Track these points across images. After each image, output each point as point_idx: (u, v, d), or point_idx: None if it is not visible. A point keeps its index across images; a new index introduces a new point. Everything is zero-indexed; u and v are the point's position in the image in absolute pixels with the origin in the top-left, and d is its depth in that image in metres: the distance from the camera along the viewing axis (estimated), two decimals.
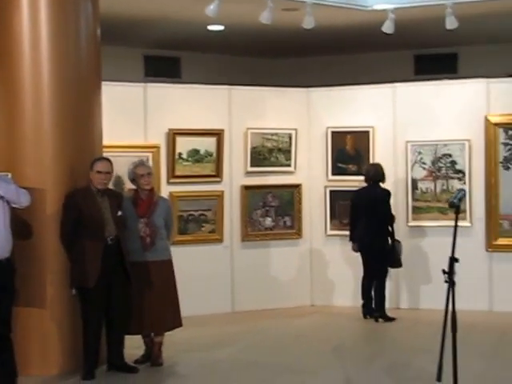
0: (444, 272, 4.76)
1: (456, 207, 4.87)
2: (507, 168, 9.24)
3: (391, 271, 9.09)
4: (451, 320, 4.66)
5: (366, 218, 8.88)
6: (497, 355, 7.38)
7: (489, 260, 9.37)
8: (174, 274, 7.03)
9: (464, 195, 4.99)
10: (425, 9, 9.45)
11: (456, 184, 9.37)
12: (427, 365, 6.00)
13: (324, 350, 7.63)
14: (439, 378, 4.52)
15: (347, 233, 9.42)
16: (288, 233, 9.89)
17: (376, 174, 8.97)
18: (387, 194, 8.92)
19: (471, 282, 9.27)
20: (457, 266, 9.05)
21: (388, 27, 9.00)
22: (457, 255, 9.20)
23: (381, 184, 8.98)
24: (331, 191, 9.83)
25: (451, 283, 4.67)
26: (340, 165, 9.83)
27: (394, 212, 9.05)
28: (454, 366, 4.72)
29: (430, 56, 13.27)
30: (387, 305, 9.09)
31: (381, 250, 8.85)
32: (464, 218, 9.30)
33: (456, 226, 4.74)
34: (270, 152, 9.75)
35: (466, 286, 9.26)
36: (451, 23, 8.85)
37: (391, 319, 8.89)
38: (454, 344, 4.68)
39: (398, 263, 8.91)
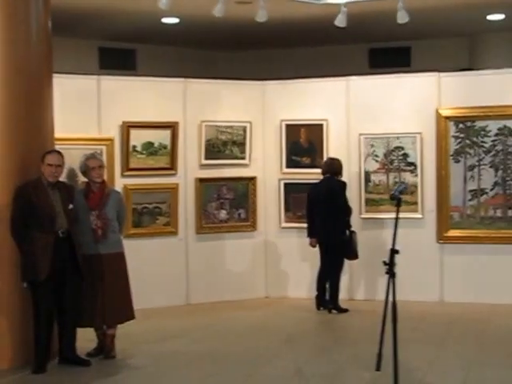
0: (385, 263, 4.80)
1: (397, 200, 4.93)
2: (457, 161, 9.37)
3: (346, 263, 9.16)
4: (392, 310, 4.73)
5: (324, 211, 8.95)
6: (445, 344, 7.48)
7: (440, 251, 9.49)
8: (126, 266, 7.03)
9: (405, 188, 5.06)
10: (377, 3, 9.56)
11: (408, 176, 9.49)
12: (361, 355, 6.08)
13: (276, 340, 7.69)
14: (378, 368, 4.58)
15: (301, 225, 9.50)
16: (242, 225, 9.93)
17: (333, 167, 9.04)
18: (343, 185, 8.99)
19: (423, 273, 9.44)
20: (409, 257, 9.26)
21: (340, 21, 9.05)
22: (408, 247, 9.42)
23: (337, 177, 9.05)
24: (285, 184, 9.89)
25: (391, 274, 4.71)
26: (294, 157, 9.88)
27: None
28: (394, 356, 4.79)
29: (383, 50, 13.40)
30: (341, 296, 9.18)
31: (338, 242, 8.93)
32: (415, 210, 9.43)
33: (397, 218, 4.81)
34: (224, 145, 9.77)
35: (417, 277, 9.50)
36: (402, 17, 8.93)
37: (344, 310, 8.98)
38: (395, 334, 4.76)
39: (354, 255, 8.99)
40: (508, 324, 8.32)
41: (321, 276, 9.16)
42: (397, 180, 9.46)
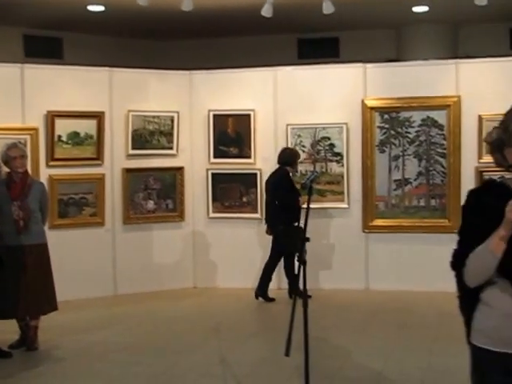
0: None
1: (308, 188, 4.97)
2: (383, 151, 9.51)
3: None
4: (303, 297, 4.78)
5: (267, 200, 9.01)
6: (368, 332, 7.62)
7: (365, 240, 9.62)
8: (49, 257, 6.96)
9: (316, 177, 5.10)
10: None
11: (334, 166, 9.59)
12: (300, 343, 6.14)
13: (202, 330, 7.74)
14: (287, 353, 4.61)
15: (230, 215, 9.55)
16: (170, 215, 9.90)
17: (282, 157, 9.06)
18: (286, 177, 8.99)
19: (349, 262, 9.56)
20: (335, 246, 9.38)
21: (267, 11, 9.10)
22: (335, 236, 9.53)
23: (290, 167, 9.04)
24: (213, 174, 9.89)
25: (302, 262, 4.76)
26: (222, 148, 9.89)
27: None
28: (305, 342, 4.83)
29: (312, 40, 13.50)
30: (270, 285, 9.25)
31: (275, 233, 8.98)
32: (342, 200, 9.54)
33: (308, 208, 4.83)
34: (151, 135, 9.72)
35: (343, 266, 9.62)
36: (328, 8, 9.02)
37: (271, 299, 9.04)
38: (305, 320, 4.80)
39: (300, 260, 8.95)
40: (429, 311, 8.50)
41: (265, 265, 9.19)
42: (323, 170, 9.54)
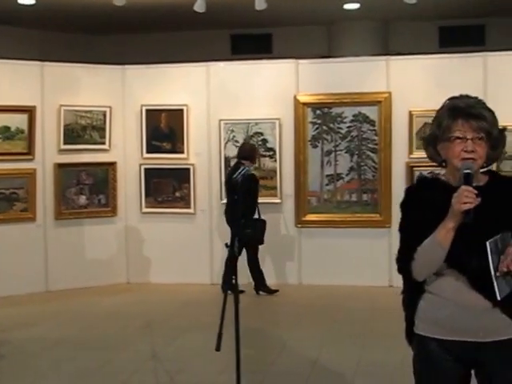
0: (226, 246, 4.87)
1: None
2: (315, 146, 9.60)
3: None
4: (234, 292, 4.80)
5: (228, 195, 9.04)
6: (301, 326, 7.71)
7: (298, 235, 9.72)
8: None
9: (247, 172, 5.15)
10: None
11: (267, 162, 9.65)
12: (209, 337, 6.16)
13: (135, 326, 7.74)
14: (218, 348, 4.65)
15: (163, 210, 9.56)
16: (103, 211, 9.84)
17: (239, 152, 9.09)
18: (245, 171, 8.95)
19: (282, 257, 9.64)
20: (268, 241, 9.43)
21: (200, 6, 9.11)
22: (268, 231, 9.57)
23: (246, 162, 8.95)
24: (146, 169, 9.86)
25: (233, 257, 4.81)
26: (154, 143, 9.86)
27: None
28: (236, 337, 4.86)
29: (245, 36, 13.55)
30: (206, 281, 9.27)
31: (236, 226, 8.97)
32: (275, 195, 9.61)
33: None
34: (83, 129, 9.64)
35: (277, 261, 9.70)
36: (260, 4, 9.07)
37: (274, 291, 9.11)
38: (237, 315, 4.83)
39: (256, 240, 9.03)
40: (361, 305, 8.62)
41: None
42: (256, 165, 9.56)
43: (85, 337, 7.31)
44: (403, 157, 9.35)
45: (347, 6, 11.78)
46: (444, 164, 3.11)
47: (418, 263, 2.99)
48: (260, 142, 9.64)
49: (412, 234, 3.02)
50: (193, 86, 9.84)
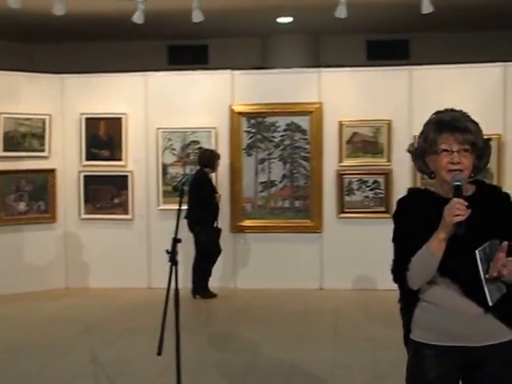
0: (167, 252, 4.90)
1: (180, 191, 5.15)
2: (250, 154, 9.91)
3: None
4: (174, 298, 4.88)
5: (189, 200, 9.19)
6: (237, 328, 7.97)
7: (234, 241, 10.02)
8: None
9: (188, 180, 5.32)
10: (174, 1, 9.87)
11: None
12: (149, 341, 6.28)
13: (74, 330, 7.84)
14: (159, 352, 4.71)
15: (102, 216, 9.79)
16: (42, 217, 9.97)
17: (199, 159, 9.37)
18: (203, 180, 9.23)
19: (218, 261, 9.88)
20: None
21: (138, 17, 9.33)
22: None
23: (208, 169, 9.28)
24: (85, 176, 10.04)
25: (174, 263, 4.87)
26: (93, 150, 10.06)
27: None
28: (176, 340, 4.95)
29: (182, 47, 13.78)
30: (142, 285, 9.45)
31: (194, 231, 9.24)
32: None
33: (180, 209, 4.96)
34: (23, 137, 9.78)
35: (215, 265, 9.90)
36: (197, 16, 9.35)
37: (213, 295, 9.38)
38: (177, 319, 4.92)
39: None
40: (294, 307, 8.91)
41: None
42: (193, 173, 9.82)
43: (24, 342, 7.37)
44: (333, 165, 9.74)
45: (280, 20, 12.14)
46: (433, 176, 3.20)
47: (413, 273, 3.09)
48: (196, 150, 9.91)
49: (406, 245, 3.12)
50: (131, 95, 10.06)
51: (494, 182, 9.20)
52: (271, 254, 9.92)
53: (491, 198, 3.19)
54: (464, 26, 12.72)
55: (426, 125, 3.20)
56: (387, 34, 13.31)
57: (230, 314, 8.66)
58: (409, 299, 3.22)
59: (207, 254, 9.38)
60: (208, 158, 9.35)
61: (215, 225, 9.36)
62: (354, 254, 9.59)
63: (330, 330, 7.85)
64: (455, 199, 2.98)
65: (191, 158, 9.94)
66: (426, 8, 9.13)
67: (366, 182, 9.70)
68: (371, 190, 9.67)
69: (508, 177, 9.35)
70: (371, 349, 6.98)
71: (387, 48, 13.50)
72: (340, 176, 9.68)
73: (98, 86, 10.13)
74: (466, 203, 2.96)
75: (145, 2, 9.37)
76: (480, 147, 3.13)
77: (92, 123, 10.02)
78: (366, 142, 9.70)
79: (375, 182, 9.62)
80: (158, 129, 9.94)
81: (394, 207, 9.55)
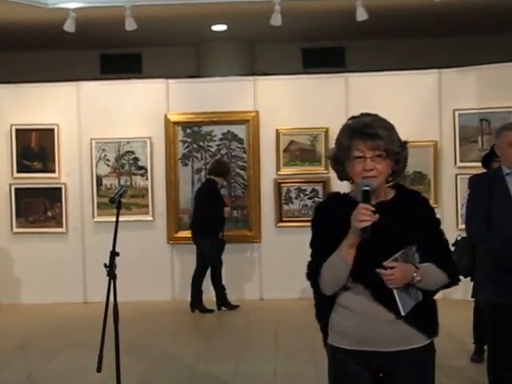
0: (105, 266, 4.79)
1: (117, 203, 5.01)
2: (186, 164, 9.80)
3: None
4: (113, 312, 4.76)
5: (194, 210, 9.09)
6: (177, 340, 7.85)
7: (170, 252, 9.86)
8: None
9: (125, 191, 5.20)
10: (107, 10, 9.71)
11: (139, 180, 9.77)
12: (87, 358, 6.12)
13: (8, 347, 7.63)
14: (99, 369, 4.63)
15: (34, 230, 9.55)
16: None
17: (210, 168, 9.21)
18: (211, 190, 9.05)
19: (155, 273, 9.75)
20: (141, 258, 9.52)
21: (69, 25, 9.15)
22: (141, 248, 9.67)
23: (218, 179, 9.07)
24: (16, 189, 9.78)
25: (112, 276, 4.74)
26: (25, 162, 9.80)
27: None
28: (116, 356, 4.84)
29: (115, 56, 13.60)
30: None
31: (199, 243, 9.08)
32: (147, 213, 9.73)
33: (117, 221, 4.85)
34: None
35: (150, 277, 9.79)
36: (130, 25, 9.20)
37: (208, 310, 9.10)
38: (117, 334, 4.81)
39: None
40: (235, 319, 8.83)
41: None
42: (128, 184, 9.67)
43: None
44: (271, 173, 9.68)
45: (215, 28, 12.06)
46: (352, 181, 3.18)
47: (325, 278, 3.09)
48: (131, 161, 9.75)
49: (320, 250, 3.12)
50: (63, 105, 9.86)
51: (431, 189, 9.28)
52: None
53: (410, 202, 3.17)
54: (399, 34, 12.80)
55: (340, 131, 3.16)
56: (323, 41, 13.33)
57: (168, 326, 8.54)
58: (324, 303, 3.20)
59: (208, 266, 9.16)
60: (213, 167, 9.18)
61: (220, 236, 9.14)
62: (294, 264, 9.42)
63: (272, 340, 7.77)
64: (361, 204, 2.97)
65: (126, 168, 9.76)
66: (361, 15, 9.15)
67: (305, 190, 9.66)
68: (309, 198, 9.63)
69: (444, 183, 9.42)
70: (312, 358, 6.91)
71: (323, 56, 13.53)
72: (278, 185, 9.62)
73: (28, 96, 9.90)
74: (373, 208, 2.94)
75: (76, 10, 9.18)
76: (396, 152, 3.09)
77: (23, 134, 9.78)
78: (304, 150, 9.66)
79: (313, 190, 9.58)
80: (92, 139, 9.75)
81: None
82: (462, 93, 9.25)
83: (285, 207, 9.59)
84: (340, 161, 3.15)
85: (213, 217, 8.95)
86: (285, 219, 9.62)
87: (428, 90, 9.49)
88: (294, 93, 9.79)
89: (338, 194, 3.29)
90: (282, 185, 9.54)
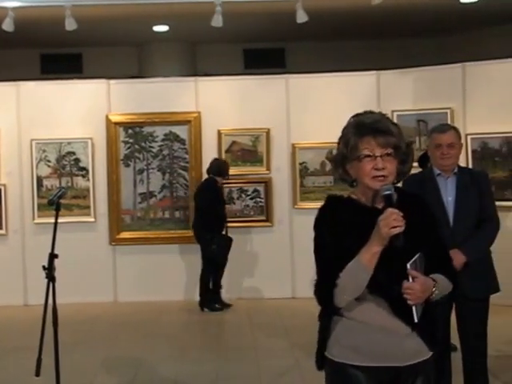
0: (44, 268, 4.75)
1: (56, 205, 4.99)
2: (127, 165, 9.76)
3: None
4: (52, 315, 4.72)
5: (196, 210, 9.10)
6: (117, 344, 7.76)
7: (112, 253, 9.82)
8: None
9: (64, 193, 5.17)
10: (46, 9, 9.62)
11: (80, 181, 9.69)
12: (26, 361, 5.89)
13: None
14: (38, 373, 4.59)
15: None
16: None
17: (209, 167, 9.12)
18: (210, 187, 9.03)
19: (97, 275, 9.69)
20: (83, 260, 9.45)
21: (8, 24, 9.05)
22: (82, 250, 9.62)
23: (218, 178, 9.06)
24: None
25: (51, 279, 4.72)
26: None
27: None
28: (55, 360, 4.79)
29: (55, 56, 13.49)
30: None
31: (201, 242, 9.05)
32: (88, 214, 9.66)
33: (56, 223, 4.83)
34: None
35: (92, 279, 9.73)
36: (70, 25, 9.13)
37: (227, 306, 9.15)
38: (56, 337, 4.76)
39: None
40: (177, 320, 8.83)
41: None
42: (69, 185, 9.60)
43: None
44: None
45: (156, 28, 12.05)
46: (355, 184, 3.00)
47: (342, 289, 2.88)
48: (72, 162, 9.68)
49: (331, 260, 2.91)
50: (3, 105, 9.71)
51: None
52: (152, 266, 9.77)
53: (412, 206, 3.01)
54: (339, 36, 12.97)
55: (346, 128, 2.98)
56: (264, 42, 13.43)
57: (109, 329, 8.44)
58: (329, 315, 3.02)
59: (215, 263, 9.12)
60: (212, 166, 9.14)
61: (224, 233, 9.14)
62: (237, 264, 9.56)
63: (214, 341, 7.81)
64: (390, 209, 2.79)
65: (67, 169, 9.69)
66: (301, 17, 9.23)
67: (246, 190, 9.72)
68: (251, 198, 9.69)
69: None
70: (255, 358, 6.97)
71: (264, 57, 13.63)
72: (220, 185, 9.65)
73: None
74: (401, 213, 2.79)
75: (15, 9, 9.07)
76: (403, 151, 2.96)
77: None
78: (245, 151, 9.72)
79: (255, 190, 9.65)
80: (32, 140, 9.64)
81: (274, 216, 9.64)
82: (400, 94, 9.41)
83: (227, 207, 9.62)
84: (343, 161, 2.98)
85: (218, 214, 9.04)
86: (227, 219, 9.64)
87: (367, 91, 9.62)
88: (236, 93, 9.84)
89: (340, 196, 3.08)
90: (224, 185, 9.58)
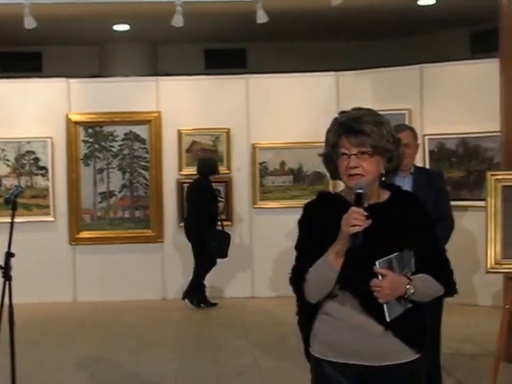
0: (0, 267, 4.71)
1: (12, 203, 4.96)
2: (87, 164, 9.72)
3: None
4: (8, 315, 4.70)
5: (190, 209, 9.12)
6: (75, 344, 7.69)
7: (72, 253, 9.77)
8: None
9: (21, 192, 5.14)
10: (4, 6, 9.53)
11: (40, 180, 9.63)
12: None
13: None
14: None
15: None
16: None
17: (202, 168, 9.10)
18: (208, 185, 9.05)
19: (56, 274, 9.63)
20: (42, 260, 9.37)
21: None
22: (41, 249, 9.54)
23: (210, 177, 9.08)
24: None
25: (7, 278, 4.71)
26: None
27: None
28: (11, 359, 4.80)
29: (14, 54, 13.39)
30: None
31: (195, 239, 9.06)
32: (48, 214, 9.61)
33: (12, 222, 4.78)
34: None
35: (51, 279, 9.67)
36: (29, 23, 9.07)
37: (213, 304, 9.17)
38: (12, 338, 4.74)
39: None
40: (136, 320, 8.80)
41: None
42: (28, 184, 9.54)
43: None
44: (173, 174, 9.73)
45: (117, 28, 12.02)
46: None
47: (310, 284, 2.90)
48: (32, 161, 9.62)
49: (306, 254, 2.93)
50: None
51: (330, 188, 9.47)
52: (112, 266, 9.75)
53: (405, 205, 3.00)
54: (299, 36, 13.05)
55: (330, 126, 2.99)
56: (224, 43, 13.46)
57: (68, 329, 8.37)
58: (308, 311, 3.01)
59: (214, 258, 9.13)
60: (199, 166, 9.15)
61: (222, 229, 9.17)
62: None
63: (173, 340, 7.82)
64: (353, 208, 2.78)
65: (26, 168, 9.63)
66: (261, 18, 9.27)
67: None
68: None
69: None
70: (215, 358, 7.00)
71: (224, 57, 13.67)
72: (180, 185, 9.68)
73: None
74: (365, 213, 2.77)
75: None
76: (387, 149, 2.91)
77: None
78: (206, 151, 9.75)
79: (216, 190, 9.66)
80: None
81: (234, 215, 9.70)
82: (359, 95, 9.46)
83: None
84: (331, 158, 2.98)
85: (214, 212, 9.08)
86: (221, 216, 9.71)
87: (326, 91, 9.70)
88: (196, 93, 9.86)
89: (328, 193, 3.13)
90: (185, 185, 9.59)
